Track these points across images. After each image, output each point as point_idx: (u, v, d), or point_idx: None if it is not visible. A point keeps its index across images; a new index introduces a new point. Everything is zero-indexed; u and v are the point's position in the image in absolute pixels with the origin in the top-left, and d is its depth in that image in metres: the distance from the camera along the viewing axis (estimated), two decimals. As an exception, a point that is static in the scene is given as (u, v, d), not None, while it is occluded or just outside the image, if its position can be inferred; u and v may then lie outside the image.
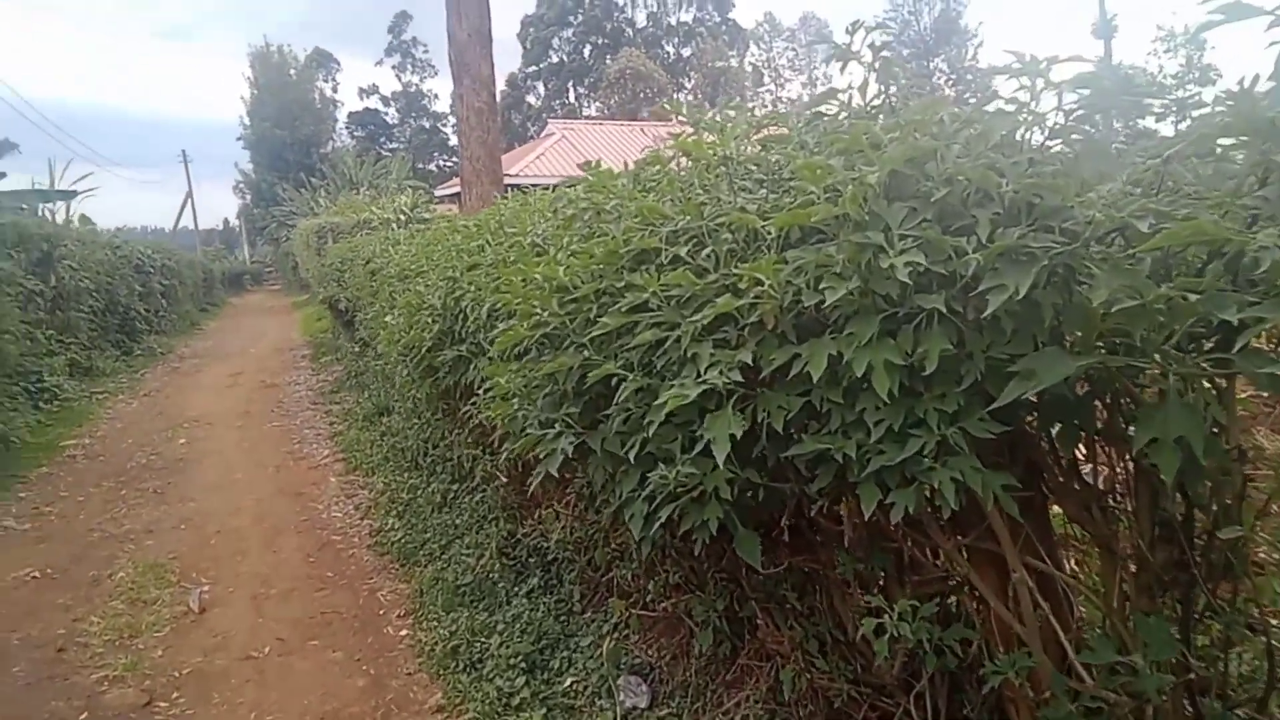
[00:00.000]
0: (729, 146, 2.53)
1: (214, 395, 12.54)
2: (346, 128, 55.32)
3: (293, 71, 44.30)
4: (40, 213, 18.18)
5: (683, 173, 2.78)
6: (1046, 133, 2.05)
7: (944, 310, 1.80)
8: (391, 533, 6.41)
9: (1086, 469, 2.42)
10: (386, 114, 59.00)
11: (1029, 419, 2.18)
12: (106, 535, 6.78)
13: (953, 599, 2.68)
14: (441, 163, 56.74)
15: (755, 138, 2.83)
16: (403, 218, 17.26)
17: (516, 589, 4.99)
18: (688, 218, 2.45)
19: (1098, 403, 2.06)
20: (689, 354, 2.22)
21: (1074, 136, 2.00)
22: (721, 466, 2.09)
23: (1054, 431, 2.18)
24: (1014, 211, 1.84)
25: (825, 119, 2.58)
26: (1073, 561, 2.66)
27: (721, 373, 2.11)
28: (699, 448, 2.21)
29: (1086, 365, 1.69)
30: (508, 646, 4.45)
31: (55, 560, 6.27)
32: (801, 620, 3.11)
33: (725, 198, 2.44)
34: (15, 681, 4.61)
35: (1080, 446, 2.26)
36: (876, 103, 2.42)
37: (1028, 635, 2.14)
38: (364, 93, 58.03)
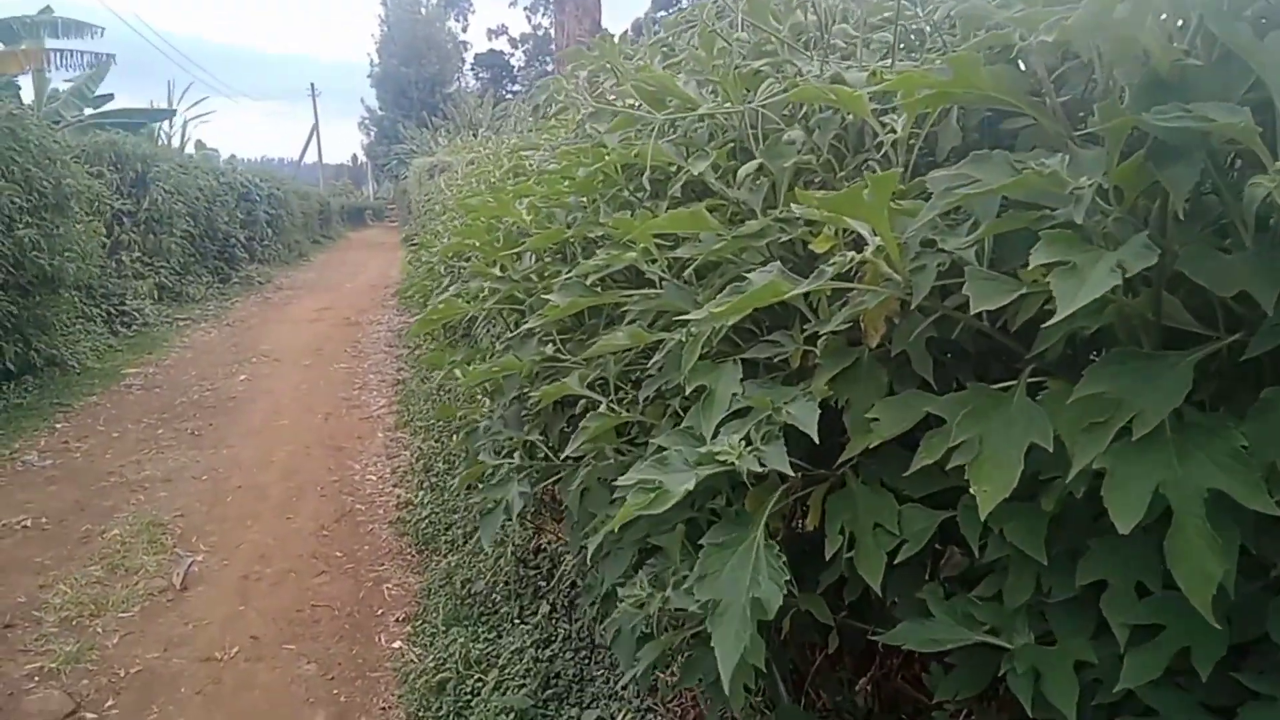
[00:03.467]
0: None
1: (293, 329, 11.93)
2: (472, 69, 54.84)
3: (423, 9, 43.96)
4: (157, 135, 18.04)
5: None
6: None
7: None
8: (419, 509, 5.43)
9: None
10: (513, 56, 58.07)
11: None
12: (121, 481, 6.02)
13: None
14: (564, 108, 55.60)
15: None
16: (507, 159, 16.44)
17: (530, 609, 3.91)
18: (721, 99, 1.21)
19: None
20: (691, 386, 1.02)
21: None
22: (729, 690, 0.89)
23: None
24: None
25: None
26: None
27: (750, 442, 0.90)
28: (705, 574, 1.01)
29: None
30: (503, 692, 3.39)
31: (55, 508, 5.53)
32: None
33: (805, 66, 1.19)
34: (-65, 668, 3.82)
35: None
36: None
37: None
38: (492, 34, 57.23)
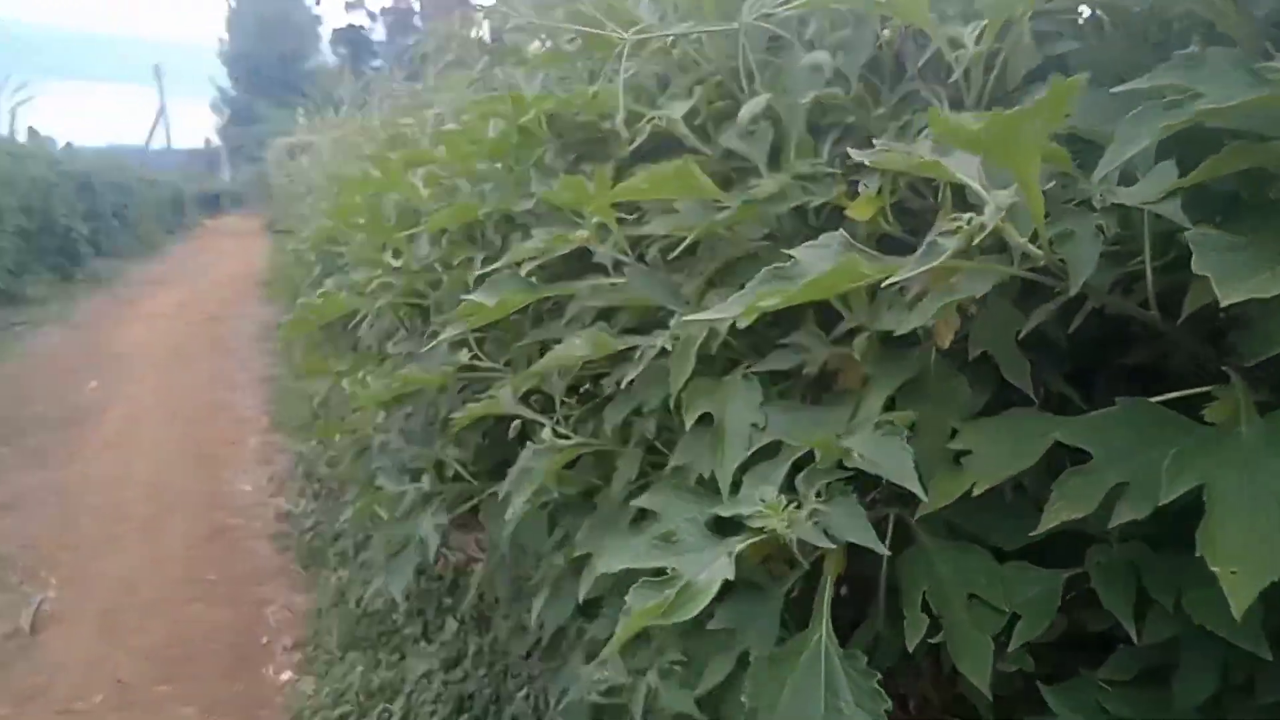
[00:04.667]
0: None
1: (149, 328, 10.99)
2: (330, 44, 52.49)
3: (274, -18, 41.72)
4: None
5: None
6: None
7: None
8: (302, 519, 4.98)
9: None
10: (373, 30, 55.69)
11: None
12: (-47, 512, 5.30)
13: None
14: (429, 84, 53.70)
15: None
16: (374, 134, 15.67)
17: (436, 625, 3.57)
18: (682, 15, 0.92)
19: None
20: (691, 417, 0.73)
21: None
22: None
23: None
24: None
25: None
26: None
27: (795, 492, 0.62)
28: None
29: None
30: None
31: (-124, 549, 4.81)
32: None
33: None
34: None
35: None
36: None
37: None
38: (349, 6, 54.78)
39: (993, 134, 0.50)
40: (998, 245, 0.60)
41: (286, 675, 3.62)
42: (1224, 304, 0.48)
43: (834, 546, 0.63)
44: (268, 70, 38.66)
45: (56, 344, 10.14)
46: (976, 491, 0.62)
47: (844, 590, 0.97)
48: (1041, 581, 0.68)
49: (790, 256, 0.60)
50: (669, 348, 0.77)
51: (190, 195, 29.81)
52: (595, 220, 0.90)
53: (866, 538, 0.62)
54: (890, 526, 0.78)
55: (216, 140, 49.19)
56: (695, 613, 0.61)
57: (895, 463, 0.63)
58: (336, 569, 4.33)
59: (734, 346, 0.85)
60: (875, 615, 0.84)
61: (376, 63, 52.02)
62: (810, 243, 0.61)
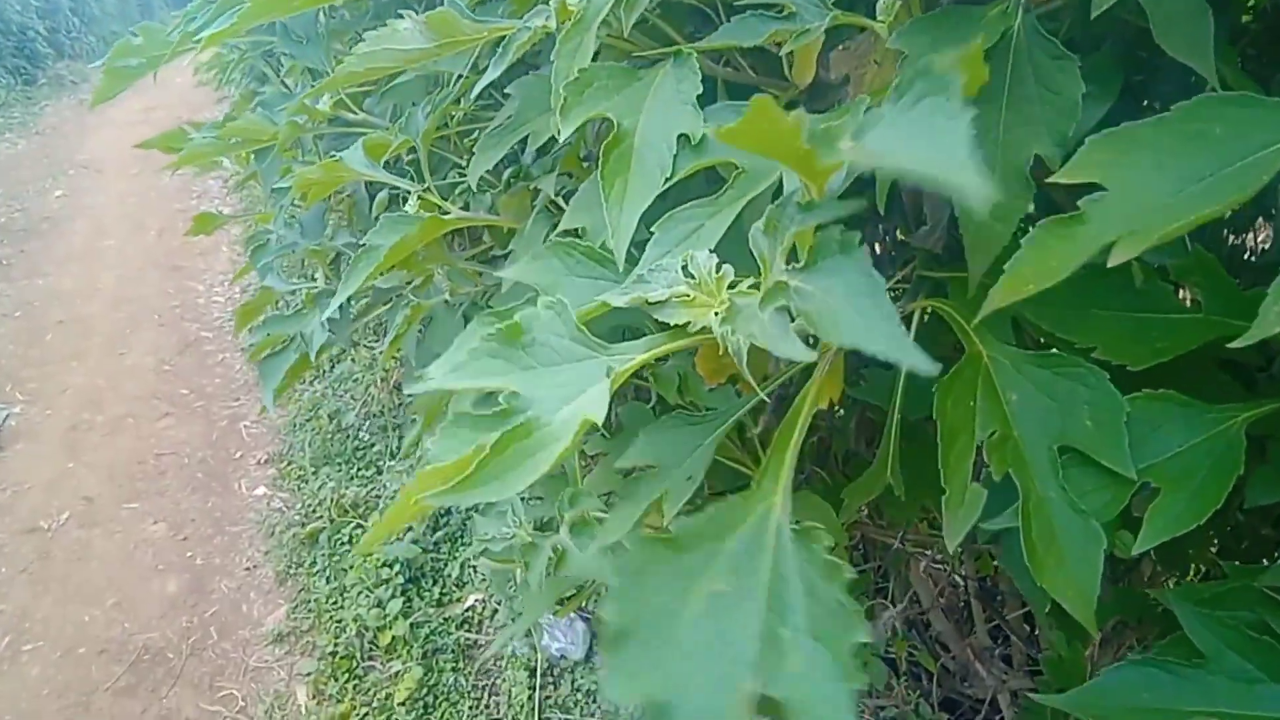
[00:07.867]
0: None
1: (117, 134, 10.40)
2: None
3: None
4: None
5: None
6: None
7: None
8: (275, 329, 4.74)
9: None
10: None
11: None
12: (-88, 327, 5.08)
13: None
14: None
15: None
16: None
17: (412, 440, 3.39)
18: None
19: None
20: (570, 124, 0.41)
21: None
22: None
23: None
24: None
25: None
26: None
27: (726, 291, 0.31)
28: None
29: None
30: (387, 540, 2.92)
31: None
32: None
33: None
34: None
35: None
36: None
37: None
38: None
39: None
40: None
41: (260, 490, 3.49)
42: None
43: (815, 357, 0.32)
44: None
45: (20, 151, 9.63)
46: (1114, 261, 0.31)
47: (836, 413, 0.69)
48: (1205, 427, 0.34)
49: None
50: (553, 29, 0.45)
51: (158, -8, 27.88)
52: None
53: (902, 350, 0.30)
54: (915, 321, 0.49)
55: (183, -69, 45.81)
56: (534, 478, 0.33)
57: (950, 166, 0.28)
58: (311, 382, 4.13)
59: (667, 32, 0.51)
60: (883, 457, 0.56)
61: None
62: None
